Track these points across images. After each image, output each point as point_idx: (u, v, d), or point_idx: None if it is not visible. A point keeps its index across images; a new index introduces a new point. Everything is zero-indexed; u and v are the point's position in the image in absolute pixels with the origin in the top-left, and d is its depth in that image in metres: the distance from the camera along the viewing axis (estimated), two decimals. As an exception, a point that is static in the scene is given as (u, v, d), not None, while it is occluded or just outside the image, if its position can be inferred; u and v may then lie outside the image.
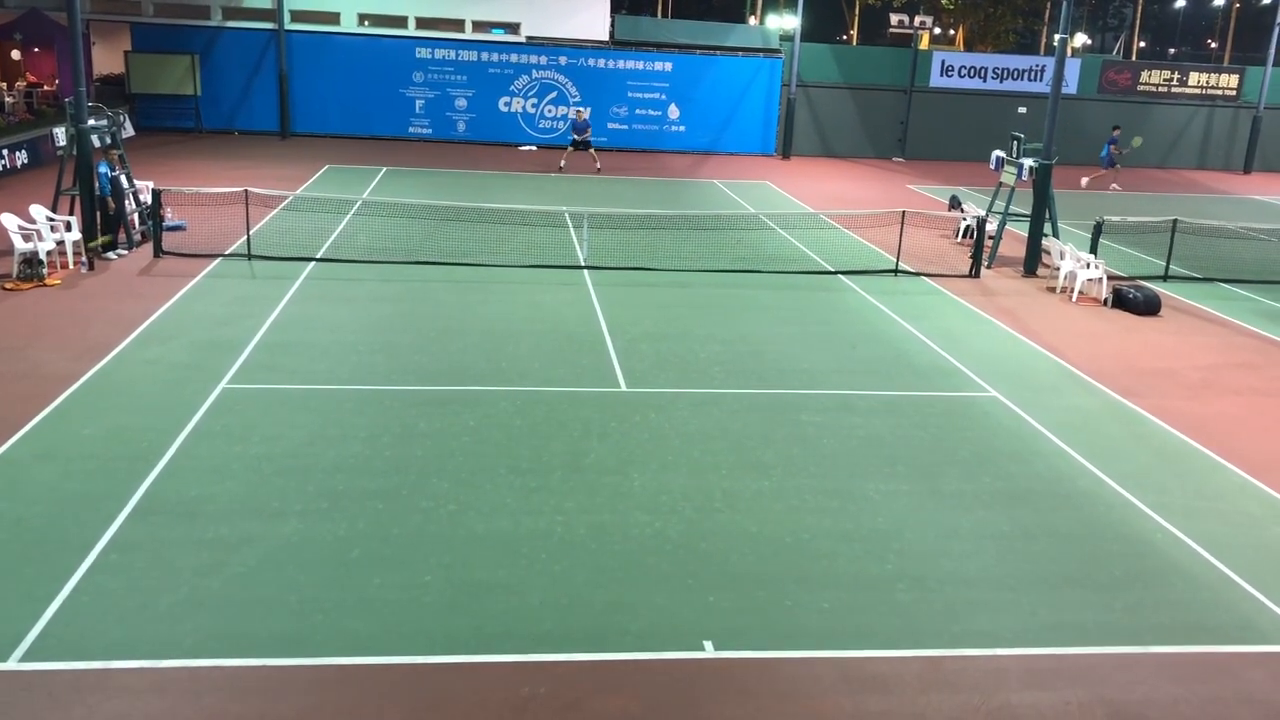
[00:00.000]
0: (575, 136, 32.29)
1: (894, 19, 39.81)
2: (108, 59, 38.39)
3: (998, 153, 22.05)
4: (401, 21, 36.10)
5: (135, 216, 19.54)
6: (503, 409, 11.93)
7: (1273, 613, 8.43)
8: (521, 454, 10.61)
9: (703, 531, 9.28)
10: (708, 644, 7.61)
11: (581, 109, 33.88)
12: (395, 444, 10.80)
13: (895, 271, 19.75)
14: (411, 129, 36.71)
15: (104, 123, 18.83)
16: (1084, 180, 34.00)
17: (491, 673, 7.10)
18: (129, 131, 31.87)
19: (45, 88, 34.67)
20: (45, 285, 16.18)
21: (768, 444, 11.27)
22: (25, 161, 26.41)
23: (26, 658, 7.06)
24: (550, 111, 37.20)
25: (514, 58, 36.63)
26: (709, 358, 14.11)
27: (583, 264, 19.10)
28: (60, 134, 18.95)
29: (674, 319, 15.98)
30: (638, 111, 37.68)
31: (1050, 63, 38.25)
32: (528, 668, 7.19)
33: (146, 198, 19.63)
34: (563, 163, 32.10)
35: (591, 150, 32.27)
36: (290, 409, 11.63)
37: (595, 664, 7.29)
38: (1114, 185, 34.26)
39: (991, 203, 22.26)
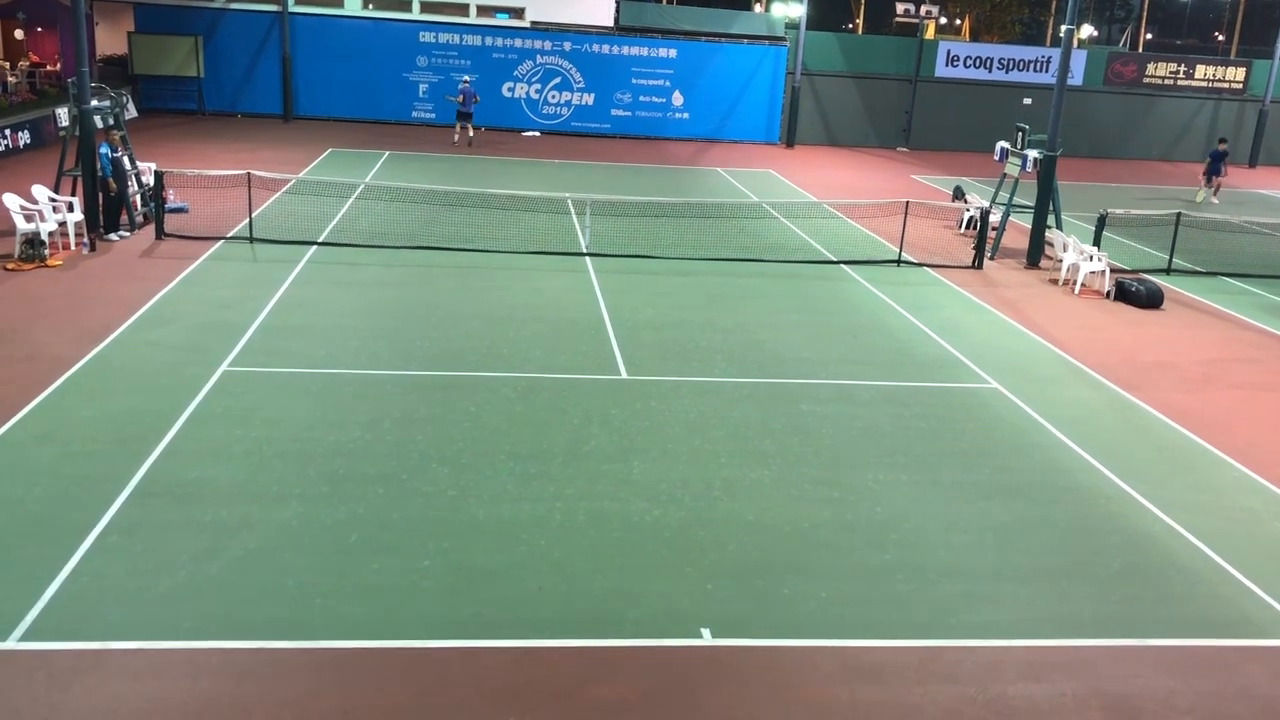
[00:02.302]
0: (462, 108, 32.17)
1: (900, 8, 39.61)
2: (111, 39, 38.30)
3: (1002, 144, 21.98)
4: (405, 5, 35.96)
5: (137, 198, 19.50)
6: (504, 395, 11.93)
7: (1271, 608, 8.44)
8: (522, 440, 10.61)
9: (702, 520, 9.28)
10: (705, 632, 7.62)
11: (468, 77, 33.81)
12: (396, 429, 10.80)
13: (898, 262, 19.71)
14: (415, 113, 36.62)
15: (106, 104, 18.79)
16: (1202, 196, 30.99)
17: (490, 658, 7.11)
18: (132, 113, 31.79)
19: (48, 68, 34.60)
20: (47, 266, 16.17)
21: (768, 433, 11.27)
22: (28, 142, 26.38)
23: (26, 638, 7.08)
24: (554, 97, 37.10)
25: (518, 43, 36.52)
26: (710, 346, 14.10)
27: (585, 251, 19.08)
28: (63, 114, 18.85)
29: (675, 307, 15.96)
30: (642, 98, 37.57)
31: (1056, 54, 38.13)
32: (526, 653, 7.20)
33: (149, 179, 19.61)
34: (456, 139, 32.37)
35: (469, 126, 32.38)
36: (291, 393, 11.63)
37: (593, 650, 7.30)
38: (1213, 199, 31.08)
39: (995, 194, 22.21)
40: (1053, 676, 7.37)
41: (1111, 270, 18.65)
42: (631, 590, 8.07)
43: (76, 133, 18.06)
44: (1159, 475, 10.85)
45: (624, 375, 12.80)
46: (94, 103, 18.07)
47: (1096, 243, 19.78)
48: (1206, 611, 8.35)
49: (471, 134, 32.61)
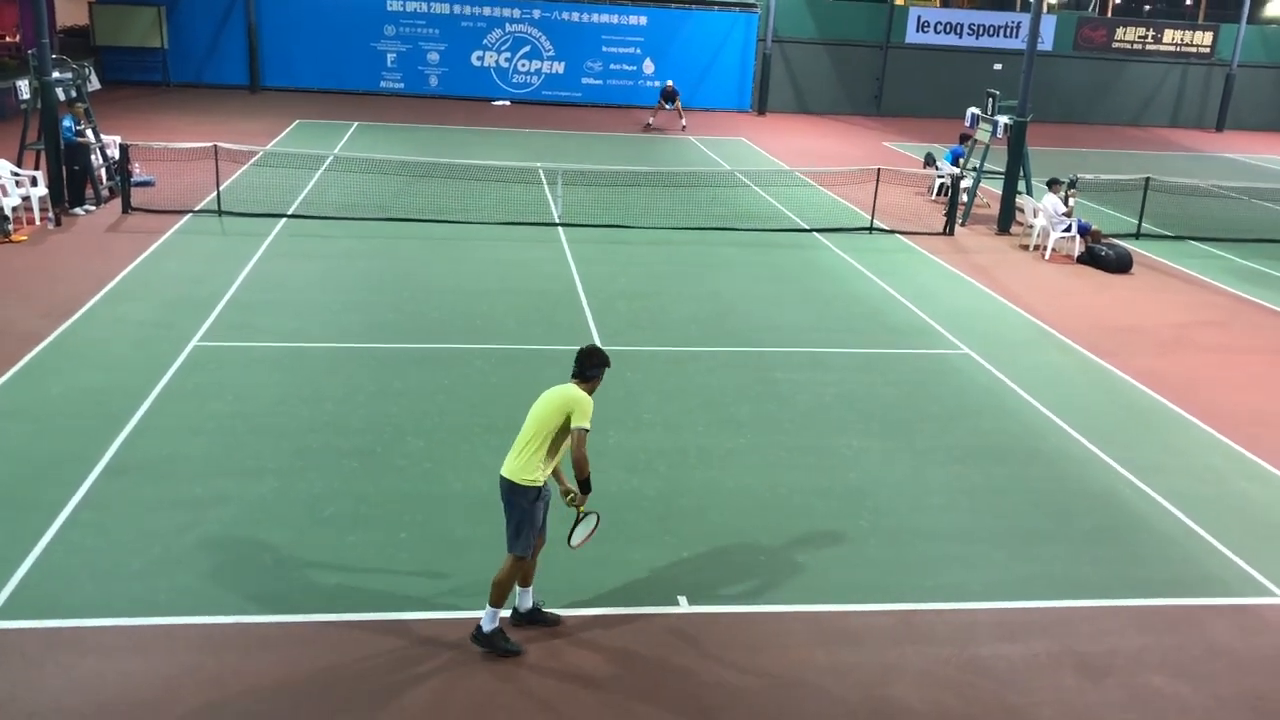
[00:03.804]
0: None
1: (870, -27, 39.50)
2: (71, 10, 37.53)
3: (973, 110, 22.01)
4: (372, -27, 35.49)
5: (102, 172, 19.22)
6: (478, 367, 11.90)
7: (1237, 566, 8.58)
8: (497, 412, 10.58)
9: (678, 488, 9.32)
10: (682, 599, 7.67)
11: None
12: (369, 402, 10.76)
13: (870, 229, 19.75)
14: (383, 83, 36.23)
15: (68, 76, 18.48)
16: None
17: (469, 628, 7.11)
18: (94, 85, 31.28)
19: (7, 39, 33.96)
20: (11, 241, 15.92)
21: (742, 401, 11.31)
22: (-12, 115, 25.90)
23: (0, 616, 7.04)
24: (524, 66, 36.79)
25: (487, 11, 36.14)
26: (684, 316, 14.11)
27: (557, 221, 19.00)
28: (24, 87, 18.55)
29: (649, 277, 15.94)
30: (612, 66, 37.32)
31: (1026, 19, 38.15)
32: (504, 623, 7.21)
33: (114, 152, 19.33)
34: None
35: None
36: (263, 367, 11.55)
37: (571, 619, 7.34)
38: None
39: (966, 160, 22.26)
40: (1026, 637, 7.47)
41: (1080, 234, 18.66)
42: (609, 559, 8.10)
43: (38, 105, 17.74)
44: (1129, 438, 10.98)
45: (594, 344, 12.75)
46: (56, 75, 17.75)
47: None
48: (1175, 571, 8.48)
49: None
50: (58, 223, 17.16)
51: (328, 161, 22.59)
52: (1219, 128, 41.38)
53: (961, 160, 22.42)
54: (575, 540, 7.11)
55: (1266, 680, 7.15)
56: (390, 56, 36.06)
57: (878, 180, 20.14)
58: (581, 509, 7.03)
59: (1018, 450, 10.52)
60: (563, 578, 7.78)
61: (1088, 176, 21.83)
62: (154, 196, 19.07)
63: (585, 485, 6.91)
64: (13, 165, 17.70)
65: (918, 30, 39.19)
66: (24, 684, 6.42)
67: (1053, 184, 19.13)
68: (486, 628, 6.91)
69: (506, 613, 7.12)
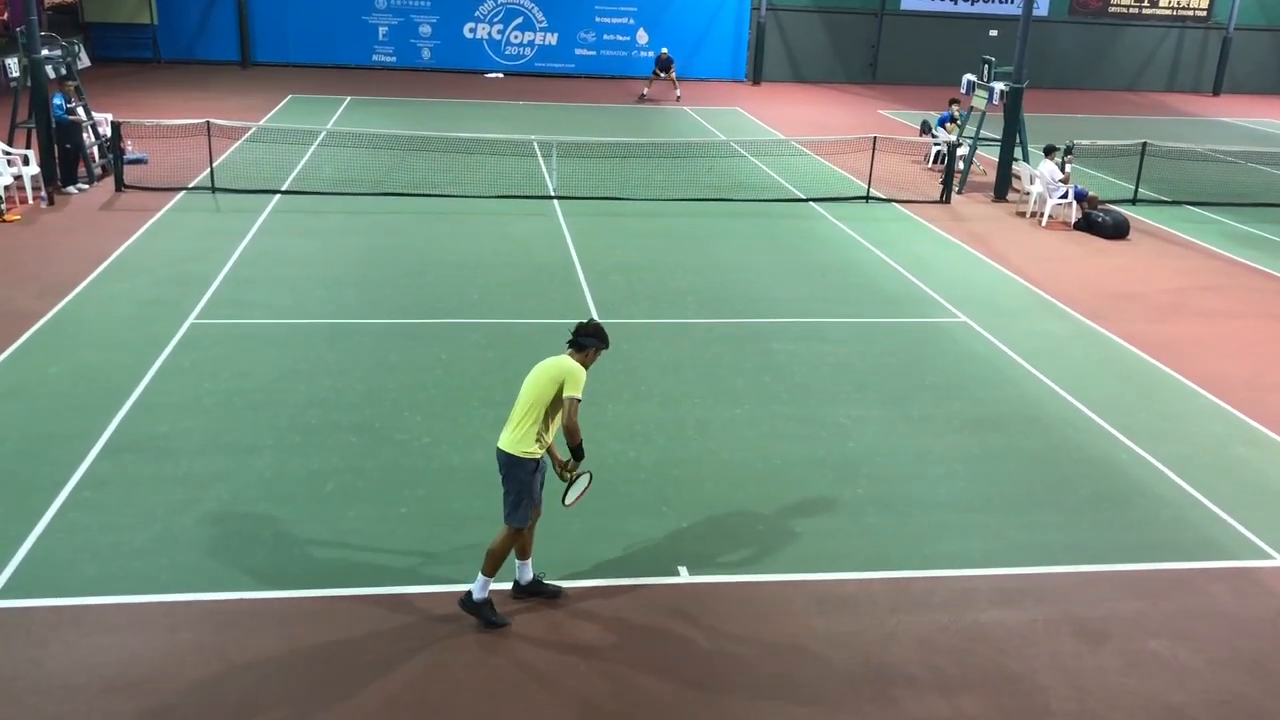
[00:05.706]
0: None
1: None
2: (59, -14, 37.26)
3: (969, 77, 21.89)
4: (362, -55, 35.16)
5: (95, 150, 19.12)
6: (474, 341, 11.89)
7: (1234, 529, 8.62)
8: (494, 386, 10.59)
9: (676, 460, 9.35)
10: (682, 569, 7.71)
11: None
12: (367, 378, 10.76)
13: (866, 198, 19.69)
14: (375, 56, 35.97)
15: (58, 53, 18.33)
16: None
17: (469, 602, 7.14)
18: (84, 62, 30.96)
19: (-5, 17, 33.67)
20: (4, 221, 15.86)
21: (739, 373, 11.32)
22: (-22, 94, 25.71)
23: (2, 595, 7.06)
24: (516, 38, 36.53)
25: (479, -18, 35.87)
26: (680, 287, 14.08)
27: (552, 194, 18.93)
28: (13, 65, 18.38)
29: (645, 249, 15.90)
30: (605, 37, 37.06)
31: (1022, -16, 37.83)
32: (506, 596, 7.25)
33: (106, 130, 19.22)
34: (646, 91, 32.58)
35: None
36: (259, 343, 11.54)
37: (571, 590, 7.37)
38: None
39: (961, 127, 22.16)
40: (1024, 603, 7.51)
41: (1078, 200, 18.63)
42: (608, 531, 8.13)
43: (28, 84, 17.63)
44: (1126, 404, 11.00)
45: (595, 319, 12.76)
46: (45, 52, 17.61)
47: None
48: (1172, 536, 8.52)
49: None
50: (50, 202, 17.08)
51: (321, 136, 22.48)
52: (1215, 92, 41.16)
53: (949, 125, 22.34)
54: (570, 499, 7.14)
55: (1264, 642, 7.19)
56: (382, 30, 35.79)
57: (874, 149, 20.06)
58: (574, 473, 7.08)
59: (1015, 418, 10.54)
60: (562, 549, 7.82)
61: (1084, 142, 21.75)
62: (147, 174, 18.98)
63: (578, 451, 6.95)
64: (4, 144, 17.61)
65: (913, -4, 38.89)
66: (29, 661, 6.45)
67: (1049, 150, 19.08)
68: (477, 596, 6.95)
69: (499, 585, 7.15)
